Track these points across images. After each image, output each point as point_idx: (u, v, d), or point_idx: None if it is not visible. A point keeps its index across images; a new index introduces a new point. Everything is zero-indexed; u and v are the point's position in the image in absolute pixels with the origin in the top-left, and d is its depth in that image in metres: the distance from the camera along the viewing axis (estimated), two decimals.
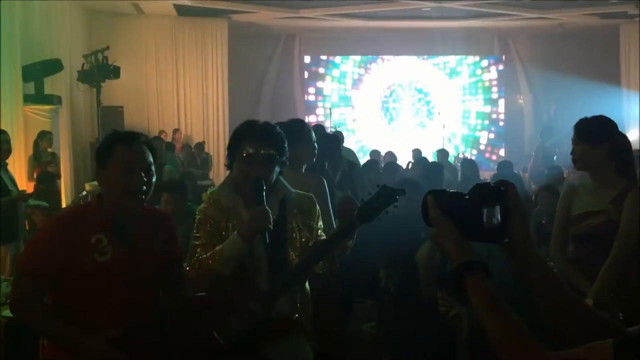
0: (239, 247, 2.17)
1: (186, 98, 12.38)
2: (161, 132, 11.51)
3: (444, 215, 1.22)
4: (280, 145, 2.30)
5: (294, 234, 2.34)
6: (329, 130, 8.55)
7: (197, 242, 2.28)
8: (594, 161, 2.81)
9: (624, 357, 0.93)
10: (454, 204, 1.23)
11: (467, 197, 1.23)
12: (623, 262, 2.69)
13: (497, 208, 1.20)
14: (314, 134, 3.57)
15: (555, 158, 9.83)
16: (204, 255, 2.23)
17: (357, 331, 5.01)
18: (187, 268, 2.32)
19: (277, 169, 2.31)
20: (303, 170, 3.39)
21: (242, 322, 2.20)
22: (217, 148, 12.34)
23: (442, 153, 9.94)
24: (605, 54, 13.27)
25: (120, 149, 2.13)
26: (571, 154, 2.90)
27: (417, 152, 10.45)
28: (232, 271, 2.19)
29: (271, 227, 2.17)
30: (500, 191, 1.21)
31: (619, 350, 0.94)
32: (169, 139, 11.29)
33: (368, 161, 7.47)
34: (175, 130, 11.93)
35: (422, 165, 7.08)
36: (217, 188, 2.44)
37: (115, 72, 9.00)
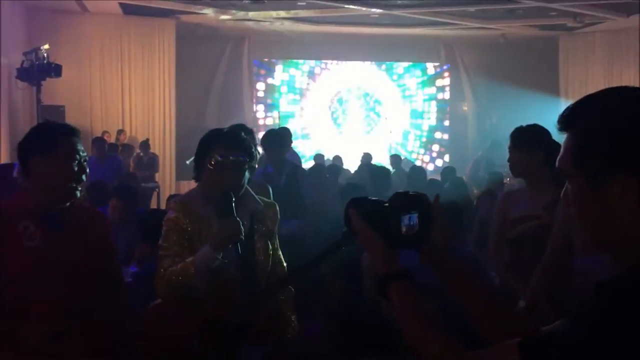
0: (210, 259, 2.15)
1: (131, 99, 12.11)
2: (104, 132, 11.22)
3: (366, 225, 1.24)
4: (249, 150, 2.30)
5: (262, 242, 2.37)
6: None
7: (166, 253, 2.24)
8: (529, 168, 2.92)
9: (529, 355, 0.96)
10: (374, 212, 1.25)
11: (386, 204, 1.25)
12: (555, 265, 2.79)
13: (414, 215, 1.24)
14: (257, 139, 3.56)
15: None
16: (174, 268, 2.19)
17: (301, 333, 5.00)
18: (155, 280, 2.26)
19: (247, 174, 2.30)
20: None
21: (216, 327, 2.21)
22: (163, 150, 12.12)
23: (395, 158, 10.07)
24: (545, 64, 13.77)
25: (62, 141, 2.11)
26: (508, 161, 3.00)
27: (366, 157, 10.55)
28: (203, 283, 2.17)
29: (242, 237, 2.18)
30: (418, 199, 1.25)
31: (524, 348, 0.97)
32: (112, 139, 11.03)
33: (313, 165, 7.50)
34: (120, 131, 11.66)
35: (368, 170, 7.15)
36: (187, 197, 2.42)
37: (56, 71, 8.74)
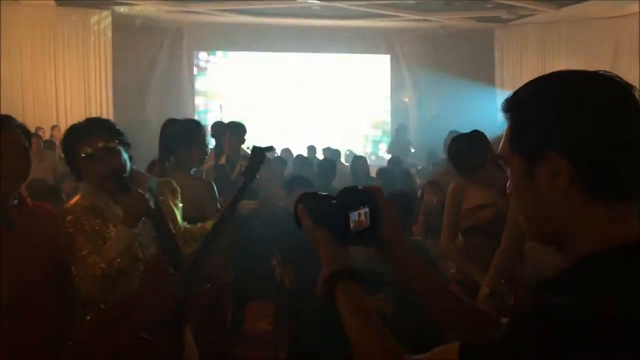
0: (127, 236, 2.16)
1: (66, 92, 11.70)
2: (38, 128, 10.78)
3: (315, 223, 1.21)
4: (115, 132, 2.29)
5: (172, 214, 2.40)
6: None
7: (83, 253, 2.18)
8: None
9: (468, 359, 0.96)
10: (322, 209, 1.22)
11: (334, 201, 1.22)
12: (512, 250, 2.88)
13: (363, 210, 1.20)
14: (208, 135, 3.52)
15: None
16: (93, 260, 2.15)
17: (251, 328, 4.99)
18: (78, 284, 2.20)
19: (126, 155, 2.28)
20: (192, 173, 3.30)
21: (164, 308, 2.21)
22: None
23: (331, 151, 10.10)
24: (482, 56, 14.13)
25: None
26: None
27: (311, 150, 10.57)
28: (127, 265, 2.17)
29: (152, 206, 2.22)
30: (366, 194, 1.22)
31: (464, 353, 0.97)
32: (46, 136, 10.62)
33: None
34: (54, 127, 11.23)
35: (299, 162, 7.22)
36: (81, 196, 2.35)
37: None
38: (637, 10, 11.77)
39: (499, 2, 11.17)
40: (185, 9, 11.58)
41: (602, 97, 0.96)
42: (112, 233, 2.21)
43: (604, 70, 1.01)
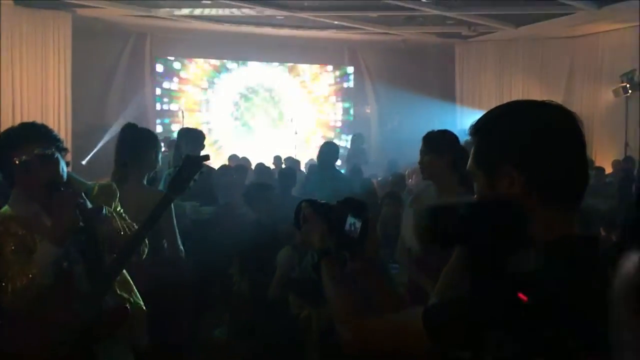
0: (52, 252, 2.06)
1: (22, 95, 11.40)
2: None
3: (315, 215, 1.42)
4: (52, 138, 2.19)
5: (110, 226, 2.26)
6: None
7: (6, 269, 2.08)
8: (439, 170, 3.05)
9: (430, 318, 1.12)
10: (324, 208, 1.43)
11: (335, 205, 1.43)
12: (461, 262, 2.94)
13: (358, 222, 1.39)
14: (160, 144, 3.49)
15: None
16: (14, 275, 2.05)
17: (207, 337, 4.95)
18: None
19: (63, 163, 2.19)
20: (145, 182, 3.26)
21: (70, 329, 2.11)
22: None
23: (291, 160, 10.15)
24: (442, 70, 14.41)
25: None
26: (419, 163, 3.12)
27: (277, 160, 10.61)
28: (50, 279, 2.07)
29: (79, 216, 2.08)
30: (364, 207, 1.41)
31: (427, 312, 1.14)
32: None
33: (221, 166, 7.44)
34: None
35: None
36: (10, 204, 2.24)
37: None
38: (591, 31, 12.21)
39: (459, 18, 11.42)
40: (147, 14, 11.47)
41: (547, 123, 1.22)
42: (38, 246, 2.11)
43: (550, 101, 1.27)
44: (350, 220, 1.38)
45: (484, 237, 1.10)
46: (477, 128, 1.26)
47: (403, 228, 3.32)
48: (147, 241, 2.42)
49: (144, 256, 2.42)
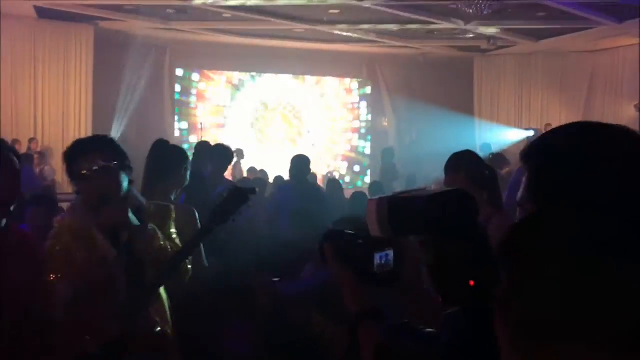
0: (97, 262, 2.15)
1: (44, 106, 11.57)
2: (15, 141, 10.61)
3: (340, 264, 1.23)
4: (117, 152, 2.25)
5: (150, 236, 2.30)
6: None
7: (53, 278, 2.14)
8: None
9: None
10: (348, 249, 1.24)
11: (360, 242, 1.24)
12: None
13: (390, 252, 1.22)
14: (186, 160, 3.49)
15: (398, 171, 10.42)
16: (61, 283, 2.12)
17: (228, 352, 4.93)
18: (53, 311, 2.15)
19: (125, 177, 2.25)
20: (173, 197, 3.28)
21: (100, 341, 2.13)
22: None
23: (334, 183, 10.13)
24: (461, 84, 14.37)
25: None
26: (445, 184, 3.10)
27: (312, 177, 10.57)
28: (91, 289, 2.14)
29: (128, 221, 2.18)
30: (391, 238, 1.23)
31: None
32: (24, 149, 10.48)
33: (241, 179, 7.45)
34: (31, 140, 11.10)
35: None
36: (67, 212, 2.34)
37: None
38: (612, 46, 12.13)
39: (479, 32, 11.40)
40: (168, 27, 11.59)
41: (618, 158, 0.99)
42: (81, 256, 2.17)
43: (617, 125, 1.04)
44: (377, 258, 1.20)
45: (437, 227, 1.09)
46: (529, 156, 1.09)
47: None
48: (188, 265, 2.44)
49: (187, 278, 2.45)
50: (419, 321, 1.26)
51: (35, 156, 10.55)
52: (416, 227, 1.12)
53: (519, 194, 1.12)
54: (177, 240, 2.45)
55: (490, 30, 11.29)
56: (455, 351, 0.96)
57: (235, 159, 11.96)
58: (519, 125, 13.77)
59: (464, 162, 3.08)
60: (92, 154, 2.19)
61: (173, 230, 2.45)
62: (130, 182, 2.30)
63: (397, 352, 1.07)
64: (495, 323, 0.68)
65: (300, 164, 5.89)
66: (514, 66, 13.85)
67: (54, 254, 2.19)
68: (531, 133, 13.19)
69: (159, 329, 2.29)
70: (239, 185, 2.44)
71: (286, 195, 5.54)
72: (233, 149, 11.56)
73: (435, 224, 1.08)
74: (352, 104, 15.07)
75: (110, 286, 2.21)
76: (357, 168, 15.02)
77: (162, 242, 2.33)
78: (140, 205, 2.34)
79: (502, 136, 13.46)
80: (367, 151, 15.09)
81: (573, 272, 0.60)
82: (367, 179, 13.95)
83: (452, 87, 14.14)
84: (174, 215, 2.49)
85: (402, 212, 1.14)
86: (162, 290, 2.40)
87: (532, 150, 1.09)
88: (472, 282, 1.01)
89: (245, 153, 12.43)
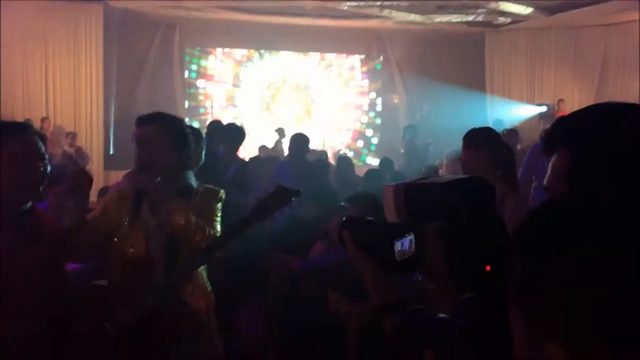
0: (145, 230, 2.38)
1: (55, 85, 11.59)
2: (27, 120, 10.69)
3: (360, 251, 1.20)
4: (163, 123, 2.39)
5: (193, 227, 2.35)
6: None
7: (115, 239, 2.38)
8: (478, 165, 3.02)
9: None
10: (367, 237, 1.21)
11: (380, 229, 1.20)
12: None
13: (410, 237, 1.17)
14: (201, 139, 3.51)
15: (430, 149, 10.27)
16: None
17: (244, 332, 5.00)
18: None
19: (170, 147, 2.34)
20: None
21: (132, 313, 2.22)
22: (90, 139, 11.71)
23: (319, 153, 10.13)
24: (472, 59, 14.22)
25: (13, 141, 2.02)
26: (460, 159, 3.10)
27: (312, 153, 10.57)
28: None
29: (144, 187, 2.32)
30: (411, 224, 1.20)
31: None
32: (35, 129, 10.52)
33: (253, 157, 7.46)
34: (44, 119, 11.15)
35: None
36: (122, 180, 2.56)
37: None
38: (626, 19, 11.93)
39: (491, 7, 11.26)
40: (177, 5, 11.53)
41: None
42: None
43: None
44: (397, 245, 1.15)
45: (453, 214, 1.08)
46: (561, 139, 1.02)
47: None
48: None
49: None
50: (439, 307, 1.27)
51: (49, 137, 10.60)
52: (433, 213, 1.11)
53: (547, 177, 1.06)
54: (219, 227, 2.48)
55: (504, 5, 11.14)
56: (468, 335, 0.96)
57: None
58: (531, 101, 13.65)
59: (486, 138, 3.07)
60: (138, 123, 2.35)
61: (218, 214, 2.48)
62: (183, 163, 2.39)
63: (411, 336, 1.06)
64: (509, 309, 0.67)
65: (299, 142, 5.88)
66: (526, 41, 13.67)
67: (102, 210, 2.40)
68: (544, 109, 13.08)
69: (190, 309, 2.34)
70: (279, 184, 2.41)
71: (283, 174, 5.52)
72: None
73: (452, 210, 1.08)
74: (362, 80, 14.98)
75: (148, 259, 2.31)
76: (367, 145, 14.98)
77: (195, 222, 2.36)
78: (187, 185, 2.41)
79: (514, 112, 13.36)
80: (377, 128, 15.03)
81: (595, 263, 0.59)
82: (378, 156, 13.92)
83: (464, 63, 13.99)
84: (222, 198, 2.52)
85: (419, 198, 1.14)
86: (201, 271, 2.45)
87: (569, 134, 1.03)
88: (488, 268, 1.00)
89: (258, 131, 12.43)
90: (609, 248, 0.59)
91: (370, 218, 1.26)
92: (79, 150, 10.92)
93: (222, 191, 2.53)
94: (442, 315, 1.06)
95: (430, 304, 1.35)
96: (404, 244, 1.16)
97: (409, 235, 1.16)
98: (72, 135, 11.06)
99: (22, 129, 2.09)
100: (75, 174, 2.17)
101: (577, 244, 0.60)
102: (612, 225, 0.61)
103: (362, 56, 14.95)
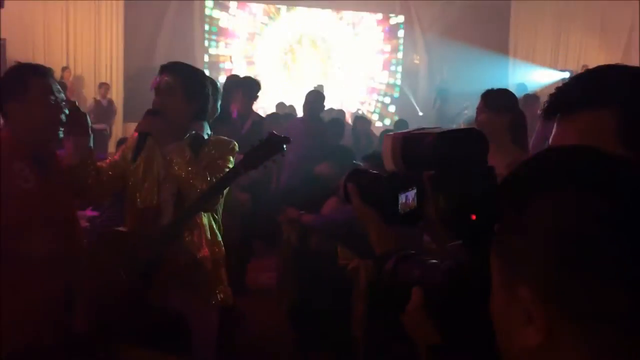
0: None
1: (76, 34, 11.62)
2: None
3: (365, 204, 1.24)
4: (179, 73, 2.40)
5: (192, 176, 2.34)
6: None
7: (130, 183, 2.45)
8: (497, 129, 3.02)
9: None
10: (372, 190, 1.24)
11: (384, 181, 1.23)
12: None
13: (413, 192, 1.20)
14: (217, 91, 3.52)
15: (466, 114, 10.08)
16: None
17: (254, 282, 5.12)
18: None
19: (187, 102, 2.36)
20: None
21: (139, 260, 2.30)
22: (111, 89, 11.77)
23: (335, 111, 10.12)
24: (496, 23, 13.94)
25: (39, 81, 2.09)
26: (476, 121, 3.09)
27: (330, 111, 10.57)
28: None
29: (151, 130, 2.37)
30: (415, 177, 1.23)
31: None
32: (57, 77, 10.61)
33: (270, 114, 7.47)
34: (64, 69, 11.21)
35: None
36: None
37: None
38: None
39: None
40: None
41: None
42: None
43: None
44: (401, 198, 1.18)
45: (445, 163, 1.11)
46: (614, 92, 0.92)
47: None
48: (220, 200, 2.56)
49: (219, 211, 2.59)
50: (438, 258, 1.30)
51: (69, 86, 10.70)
52: (426, 162, 1.14)
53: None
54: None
55: None
56: (451, 275, 0.99)
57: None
58: (554, 66, 13.42)
59: (506, 103, 3.07)
60: (169, 73, 2.38)
61: (230, 165, 2.46)
62: (195, 113, 2.41)
63: (401, 276, 1.08)
64: (490, 256, 0.68)
65: (313, 99, 5.88)
66: (552, 7, 13.35)
67: (120, 155, 2.49)
68: (567, 74, 12.87)
69: (194, 257, 2.39)
70: (271, 127, 2.46)
71: (295, 131, 5.51)
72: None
73: (444, 160, 1.11)
74: (384, 40, 14.79)
75: (155, 206, 2.39)
76: (385, 105, 14.89)
77: (193, 172, 2.36)
78: (197, 135, 2.43)
79: (536, 77, 13.16)
80: (396, 88, 14.91)
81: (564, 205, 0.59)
82: (397, 116, 13.85)
83: (488, 25, 13.72)
84: (234, 149, 2.53)
85: (414, 147, 1.17)
86: (205, 219, 2.48)
87: (612, 90, 0.93)
88: (473, 217, 1.03)
89: (277, 88, 12.39)
90: (579, 192, 0.59)
91: (374, 172, 1.28)
92: (110, 102, 11.03)
93: (234, 142, 2.55)
94: (432, 260, 1.10)
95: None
96: (408, 197, 1.19)
97: (412, 189, 1.20)
98: (106, 87, 11.13)
99: (43, 72, 2.14)
100: (72, 113, 2.18)
101: (557, 188, 0.61)
102: (587, 173, 0.61)
103: (384, 15, 14.72)
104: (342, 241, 3.78)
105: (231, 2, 13.81)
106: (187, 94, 2.36)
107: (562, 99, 0.98)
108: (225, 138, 2.58)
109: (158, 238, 2.32)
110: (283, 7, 14.06)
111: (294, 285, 4.18)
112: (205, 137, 2.48)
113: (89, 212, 3.80)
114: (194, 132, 2.42)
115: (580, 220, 0.59)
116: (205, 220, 2.48)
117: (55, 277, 2.11)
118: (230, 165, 2.46)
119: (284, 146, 2.34)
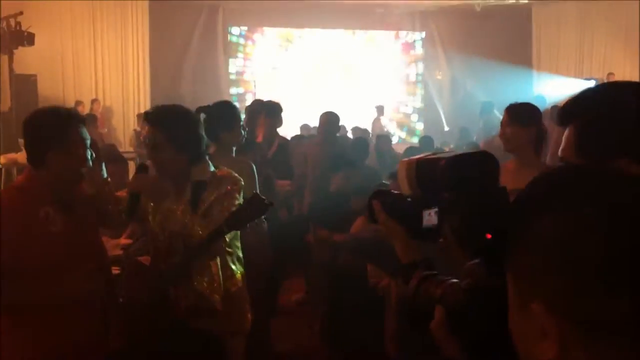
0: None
1: (104, 67, 11.92)
2: (78, 102, 11.04)
3: (389, 218, 1.32)
4: (166, 125, 2.31)
5: (189, 227, 2.33)
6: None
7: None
8: (522, 143, 3.01)
9: None
10: (397, 206, 1.33)
11: (409, 199, 1.32)
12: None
13: (436, 210, 1.27)
14: (241, 114, 3.59)
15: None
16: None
17: (286, 303, 5.14)
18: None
19: (172, 149, 2.30)
20: (234, 154, 3.38)
21: (151, 294, 2.36)
22: (137, 119, 12.00)
23: (360, 130, 10.16)
24: (519, 34, 13.89)
25: (77, 131, 2.14)
26: (501, 135, 3.08)
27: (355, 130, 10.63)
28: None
29: (140, 190, 2.34)
30: (436, 196, 1.30)
31: None
32: (86, 110, 10.87)
33: (295, 136, 7.53)
34: (94, 101, 11.48)
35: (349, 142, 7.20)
36: None
37: (29, 39, 8.58)
38: None
39: None
40: None
41: None
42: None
43: None
44: (425, 215, 1.26)
45: (458, 186, 1.17)
46: (573, 112, 1.11)
47: None
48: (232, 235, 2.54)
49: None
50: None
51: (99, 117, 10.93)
52: (440, 186, 1.20)
53: (561, 149, 1.14)
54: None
55: None
56: (471, 295, 1.03)
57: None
58: (579, 75, 13.28)
59: (532, 117, 3.06)
60: (152, 125, 2.38)
61: (235, 202, 2.41)
62: (187, 161, 2.36)
63: (424, 294, 1.15)
64: (506, 274, 0.70)
65: (328, 120, 5.72)
66: (575, 14, 13.25)
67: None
68: (592, 83, 12.71)
69: (207, 300, 2.38)
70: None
71: (312, 153, 5.44)
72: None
73: (457, 183, 1.17)
74: (404, 57, 14.83)
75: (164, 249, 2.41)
76: (409, 122, 14.88)
77: (187, 220, 2.34)
78: (196, 184, 2.39)
79: (562, 88, 13.03)
80: (420, 104, 14.90)
81: (572, 228, 0.61)
82: (421, 133, 13.83)
83: (510, 37, 13.67)
84: (239, 183, 2.48)
85: (427, 172, 1.23)
86: (217, 260, 2.44)
87: (578, 107, 1.11)
88: (489, 235, 1.06)
89: (297, 110, 12.48)
90: (590, 210, 0.61)
91: (396, 192, 1.36)
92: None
93: (239, 178, 2.49)
94: (452, 280, 1.14)
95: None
96: (431, 214, 1.27)
97: (434, 207, 1.27)
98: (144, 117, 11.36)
99: (81, 120, 2.19)
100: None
101: (560, 206, 0.64)
102: (595, 190, 0.64)
103: (405, 32, 14.78)
104: (372, 260, 3.79)
105: (253, 27, 14.02)
106: (175, 146, 2.31)
107: (560, 112, 1.14)
108: (231, 173, 2.52)
109: (165, 276, 2.36)
110: (304, 30, 14.21)
111: (325, 304, 4.19)
112: (212, 169, 2.45)
113: (123, 240, 3.87)
114: (190, 179, 2.39)
115: (583, 236, 0.61)
116: (217, 260, 2.44)
117: (93, 314, 2.18)
118: (237, 202, 2.41)
119: (266, 210, 2.30)
